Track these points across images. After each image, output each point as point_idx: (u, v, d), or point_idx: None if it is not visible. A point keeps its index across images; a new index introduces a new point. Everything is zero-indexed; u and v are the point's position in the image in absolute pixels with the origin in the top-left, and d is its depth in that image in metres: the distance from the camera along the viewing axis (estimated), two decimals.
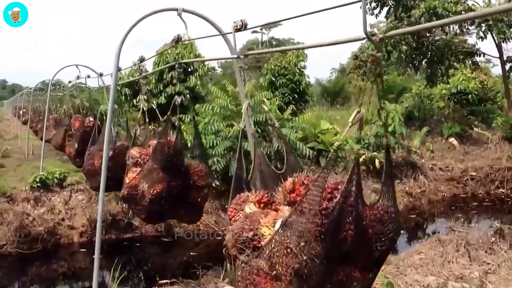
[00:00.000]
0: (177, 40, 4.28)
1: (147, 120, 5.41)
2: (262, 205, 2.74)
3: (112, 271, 7.50)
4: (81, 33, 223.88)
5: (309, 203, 2.08)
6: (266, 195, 2.77)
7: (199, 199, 4.44)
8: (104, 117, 6.68)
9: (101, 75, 8.25)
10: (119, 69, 5.61)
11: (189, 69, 14.15)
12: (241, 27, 3.17)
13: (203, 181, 4.37)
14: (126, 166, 4.65)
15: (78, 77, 9.35)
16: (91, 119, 7.88)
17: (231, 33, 3.26)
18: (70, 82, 10.12)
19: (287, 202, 2.58)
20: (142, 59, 5.52)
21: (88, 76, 8.78)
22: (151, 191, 4.11)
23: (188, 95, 13.43)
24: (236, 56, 3.22)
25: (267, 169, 3.12)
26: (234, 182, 3.01)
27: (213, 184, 10.52)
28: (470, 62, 20.28)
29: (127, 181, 4.40)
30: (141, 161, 4.50)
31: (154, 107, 5.58)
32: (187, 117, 10.15)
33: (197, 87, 14.17)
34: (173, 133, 5.77)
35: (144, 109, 5.29)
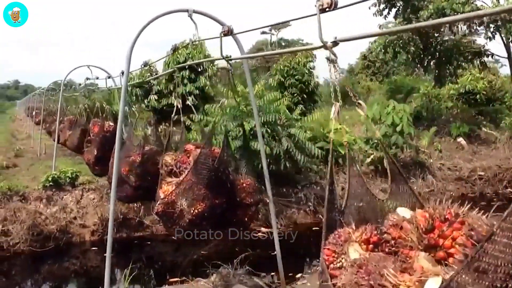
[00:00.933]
0: (228, 32, 4.02)
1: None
2: (371, 245, 2.04)
3: (123, 269, 7.60)
4: (82, 33, 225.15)
5: (494, 257, 1.39)
6: (375, 232, 2.06)
7: (246, 218, 3.92)
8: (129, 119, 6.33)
9: (122, 73, 8.25)
10: (145, 64, 5.68)
11: (199, 69, 14.24)
12: (330, 6, 2.37)
13: (252, 198, 3.81)
14: (159, 176, 4.10)
15: (97, 78, 9.36)
16: (111, 123, 7.41)
17: (315, 14, 2.45)
18: (88, 79, 9.96)
19: (423, 245, 1.86)
20: (175, 48, 5.42)
21: (109, 77, 8.69)
22: (192, 211, 3.53)
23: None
24: (321, 44, 2.40)
25: (364, 194, 2.38)
26: (326, 211, 2.33)
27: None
28: (478, 62, 20.31)
29: (162, 195, 3.76)
30: (176, 170, 3.91)
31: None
32: (196, 117, 10.22)
33: (207, 87, 14.25)
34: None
35: (179, 106, 4.84)
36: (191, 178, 3.62)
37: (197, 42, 4.57)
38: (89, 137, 7.88)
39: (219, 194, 3.60)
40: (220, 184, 3.62)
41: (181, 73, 13.44)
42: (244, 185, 3.79)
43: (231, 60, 3.83)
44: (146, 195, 5.17)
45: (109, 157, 6.35)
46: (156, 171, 4.76)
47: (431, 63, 21.72)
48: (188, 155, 4.06)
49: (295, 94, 15.18)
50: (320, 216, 11.21)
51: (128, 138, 5.85)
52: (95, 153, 7.37)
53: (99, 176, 9.33)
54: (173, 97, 13.83)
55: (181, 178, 3.83)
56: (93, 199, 10.67)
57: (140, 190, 5.20)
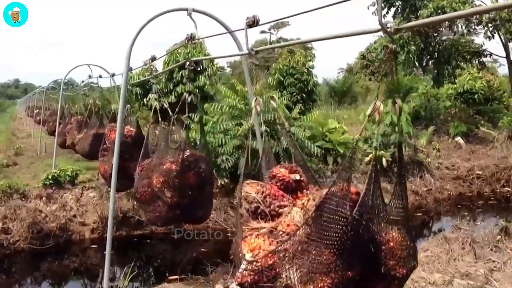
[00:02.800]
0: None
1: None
2: None
3: (123, 267, 7.65)
4: (82, 33, 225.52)
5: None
6: None
7: None
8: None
9: (113, 75, 8.27)
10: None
11: (199, 69, 14.29)
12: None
13: (404, 267, 2.37)
14: (237, 216, 2.71)
15: (101, 76, 9.31)
16: (131, 127, 6.46)
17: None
18: (100, 77, 9.62)
19: None
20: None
21: (113, 74, 8.55)
22: None
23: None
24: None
25: None
26: None
27: (222, 182, 10.65)
28: (477, 62, 20.38)
29: (248, 254, 2.37)
30: (265, 208, 2.56)
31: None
32: (196, 116, 10.26)
33: (206, 87, 14.30)
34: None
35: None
36: (307, 235, 2.18)
37: (196, 41, 4.56)
38: (104, 145, 6.75)
39: (355, 261, 2.17)
40: (358, 245, 2.17)
41: (180, 72, 13.49)
42: (392, 244, 2.33)
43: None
44: (186, 216, 4.30)
45: (129, 167, 5.53)
46: (200, 184, 4.12)
47: (430, 63, 21.81)
48: (278, 183, 2.78)
49: (294, 93, 15.20)
50: None
51: (164, 139, 4.83)
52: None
53: (118, 191, 8.79)
54: (172, 96, 13.97)
55: (273, 224, 2.51)
56: (93, 197, 10.72)
57: (178, 210, 4.15)
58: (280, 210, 2.60)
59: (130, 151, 5.67)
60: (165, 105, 5.23)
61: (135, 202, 10.17)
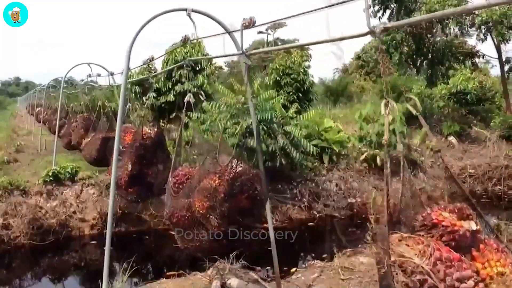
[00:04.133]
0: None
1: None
2: None
3: (122, 262, 7.75)
4: (82, 33, 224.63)
5: None
6: None
7: None
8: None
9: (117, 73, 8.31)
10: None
11: (197, 68, 14.41)
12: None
13: None
14: None
15: (99, 75, 9.43)
16: (148, 129, 5.75)
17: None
18: (112, 74, 9.32)
19: None
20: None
21: (112, 74, 8.59)
22: None
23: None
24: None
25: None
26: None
27: None
28: (469, 63, 20.59)
29: None
30: (438, 283, 1.70)
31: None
32: (194, 115, 10.38)
33: (205, 86, 14.42)
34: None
35: None
36: None
37: (195, 41, 4.66)
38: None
39: None
40: None
41: (179, 71, 13.60)
42: None
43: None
44: (231, 246, 3.46)
45: (147, 174, 5.07)
46: (253, 207, 3.38)
47: (424, 64, 22.04)
48: (445, 237, 1.89)
49: (291, 93, 15.34)
50: (315, 212, 11.43)
51: (211, 154, 3.85)
52: (129, 170, 5.34)
53: (134, 202, 7.96)
54: (171, 95, 14.09)
55: None
56: (93, 194, 10.84)
57: (224, 239, 3.48)
58: (462, 286, 1.65)
59: (148, 155, 5.21)
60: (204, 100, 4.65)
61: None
